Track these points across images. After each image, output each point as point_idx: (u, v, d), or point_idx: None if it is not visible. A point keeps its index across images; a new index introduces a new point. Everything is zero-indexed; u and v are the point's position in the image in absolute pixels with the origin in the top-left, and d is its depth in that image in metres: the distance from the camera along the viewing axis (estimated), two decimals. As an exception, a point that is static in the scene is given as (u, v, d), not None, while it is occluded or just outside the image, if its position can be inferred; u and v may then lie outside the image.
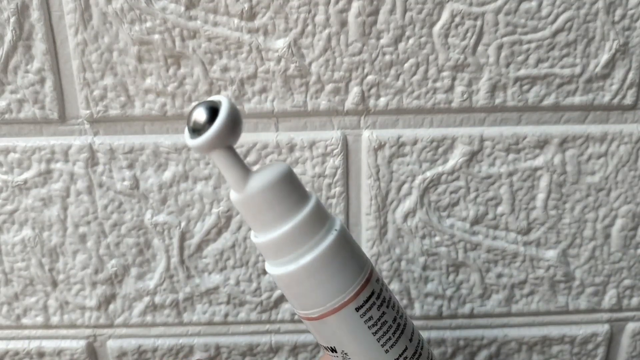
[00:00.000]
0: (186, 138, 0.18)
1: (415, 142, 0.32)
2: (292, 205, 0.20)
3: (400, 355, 0.21)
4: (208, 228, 0.33)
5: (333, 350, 0.21)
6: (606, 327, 0.36)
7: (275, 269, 0.20)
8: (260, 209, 0.19)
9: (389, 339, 0.21)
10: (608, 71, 0.31)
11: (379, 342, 0.20)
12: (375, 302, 0.20)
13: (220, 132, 0.18)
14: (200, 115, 0.18)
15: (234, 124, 0.18)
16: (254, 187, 0.19)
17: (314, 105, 0.31)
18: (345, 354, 0.20)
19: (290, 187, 0.19)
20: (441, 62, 0.31)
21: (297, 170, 0.32)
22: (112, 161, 0.32)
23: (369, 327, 0.20)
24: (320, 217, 0.20)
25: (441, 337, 0.36)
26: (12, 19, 0.29)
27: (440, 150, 0.32)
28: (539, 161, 0.33)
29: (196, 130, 0.18)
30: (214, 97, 0.19)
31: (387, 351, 0.21)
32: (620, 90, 0.32)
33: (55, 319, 0.35)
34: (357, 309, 0.20)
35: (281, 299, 0.35)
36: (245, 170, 0.19)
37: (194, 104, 0.18)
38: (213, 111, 0.18)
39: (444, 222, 0.34)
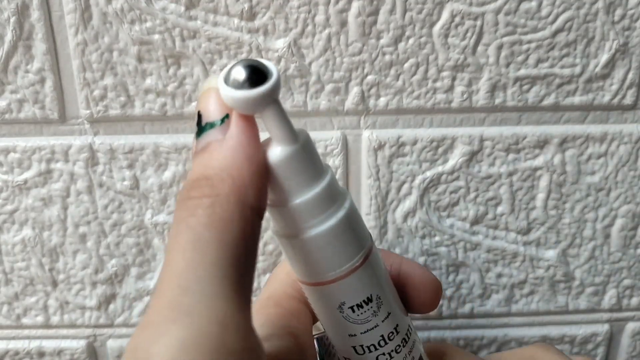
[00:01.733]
0: (237, 92, 0.18)
1: (415, 142, 0.32)
2: (321, 160, 0.20)
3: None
4: (208, 228, 0.33)
5: (368, 301, 0.21)
6: (606, 327, 0.36)
7: (312, 230, 0.19)
8: (309, 160, 0.19)
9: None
10: (608, 71, 0.31)
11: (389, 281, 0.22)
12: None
13: (278, 82, 0.18)
14: (243, 73, 0.18)
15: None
16: (304, 135, 0.19)
17: (314, 105, 0.31)
18: (379, 297, 0.21)
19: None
20: (441, 62, 0.31)
21: (297, 170, 0.32)
22: (112, 161, 0.32)
23: (384, 266, 0.22)
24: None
25: (441, 337, 0.36)
26: (12, 19, 0.29)
27: (440, 150, 0.32)
28: (539, 161, 0.33)
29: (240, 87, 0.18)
30: (244, 60, 0.18)
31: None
32: (620, 90, 0.32)
33: (55, 319, 0.35)
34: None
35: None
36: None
37: (231, 64, 0.18)
38: (253, 68, 0.18)
39: (444, 222, 0.34)
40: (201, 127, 0.18)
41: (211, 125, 0.18)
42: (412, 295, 0.23)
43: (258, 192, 0.17)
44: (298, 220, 0.19)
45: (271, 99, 0.18)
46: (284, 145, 0.19)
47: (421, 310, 0.24)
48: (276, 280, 0.23)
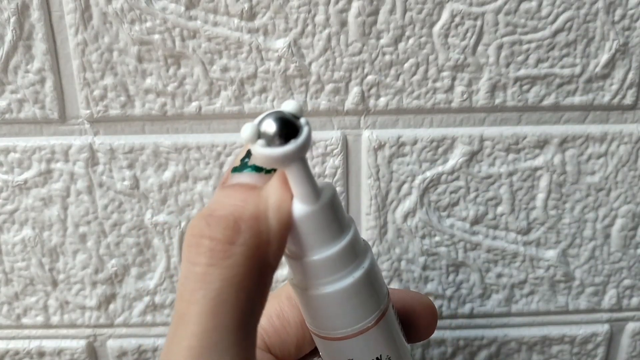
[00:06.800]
0: (263, 150, 0.17)
1: (415, 142, 0.32)
2: (347, 217, 0.20)
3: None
4: (208, 228, 0.33)
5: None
6: (606, 327, 0.36)
7: (326, 288, 0.19)
8: (330, 219, 0.19)
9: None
10: (608, 71, 0.31)
11: (403, 337, 0.22)
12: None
13: (306, 141, 0.18)
14: (273, 126, 0.17)
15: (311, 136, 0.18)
16: (329, 192, 0.19)
17: (314, 105, 0.31)
18: (389, 357, 0.21)
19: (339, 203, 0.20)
20: (441, 62, 0.31)
21: (297, 170, 0.32)
22: (112, 161, 0.32)
23: (398, 324, 0.22)
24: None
25: (441, 337, 0.36)
26: (13, 19, 0.29)
27: (440, 150, 0.32)
28: (539, 161, 0.33)
29: (268, 142, 0.17)
30: (282, 109, 0.18)
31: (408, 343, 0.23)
32: (620, 90, 0.32)
33: (55, 319, 0.35)
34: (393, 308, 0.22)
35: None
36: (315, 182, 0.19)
37: (264, 113, 0.18)
38: (283, 122, 0.18)
39: (444, 222, 0.34)
40: (245, 164, 0.18)
41: (257, 168, 0.18)
42: (414, 321, 0.23)
43: (279, 253, 0.18)
44: (314, 275, 0.19)
45: (297, 157, 0.17)
46: (305, 204, 0.18)
47: (422, 337, 0.24)
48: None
